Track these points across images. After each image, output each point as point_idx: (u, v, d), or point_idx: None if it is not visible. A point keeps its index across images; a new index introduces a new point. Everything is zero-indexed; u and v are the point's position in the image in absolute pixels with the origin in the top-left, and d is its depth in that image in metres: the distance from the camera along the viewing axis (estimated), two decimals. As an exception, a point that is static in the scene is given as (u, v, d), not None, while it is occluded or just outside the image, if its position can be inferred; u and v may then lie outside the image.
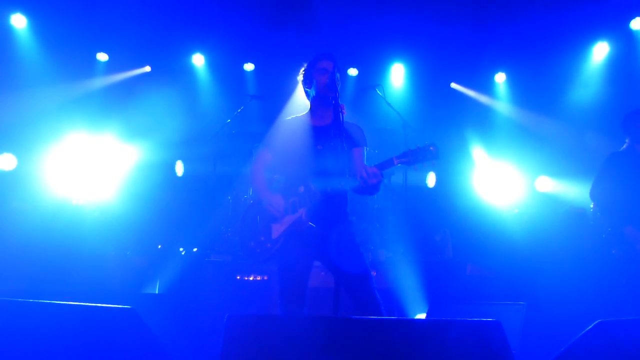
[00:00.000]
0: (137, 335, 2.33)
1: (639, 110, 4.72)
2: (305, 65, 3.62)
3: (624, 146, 4.72)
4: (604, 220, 4.65)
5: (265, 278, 5.02)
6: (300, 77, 3.65)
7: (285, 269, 3.38)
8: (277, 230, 3.40)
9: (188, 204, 7.23)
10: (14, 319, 2.42)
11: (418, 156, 3.05)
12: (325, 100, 3.44)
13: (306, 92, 3.62)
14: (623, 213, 4.49)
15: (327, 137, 3.39)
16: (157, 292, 5.39)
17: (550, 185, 7.51)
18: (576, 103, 7.53)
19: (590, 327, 2.40)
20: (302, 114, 3.63)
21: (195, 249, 5.89)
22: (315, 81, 3.47)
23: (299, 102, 8.02)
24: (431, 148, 3.03)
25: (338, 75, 3.43)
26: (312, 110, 3.58)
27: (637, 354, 2.38)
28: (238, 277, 5.05)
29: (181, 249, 5.85)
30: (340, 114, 3.23)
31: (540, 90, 7.85)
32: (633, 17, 7.06)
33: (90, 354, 2.31)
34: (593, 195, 4.73)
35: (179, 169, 7.65)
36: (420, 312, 4.99)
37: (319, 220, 3.30)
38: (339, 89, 3.37)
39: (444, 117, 8.02)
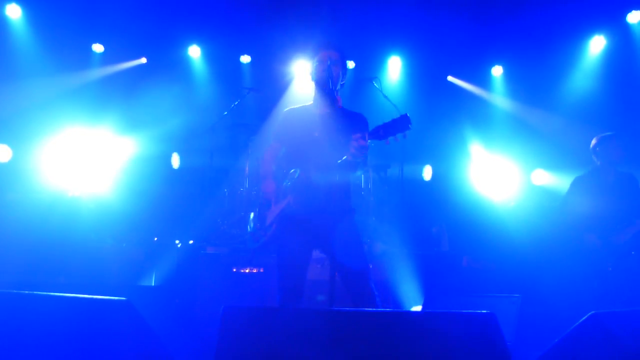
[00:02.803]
0: (133, 328, 2.33)
1: (610, 136, 5.07)
2: (312, 53, 3.62)
3: (592, 166, 5.15)
4: (568, 232, 5.11)
5: (261, 270, 5.03)
6: (308, 71, 3.67)
7: (282, 260, 3.38)
8: (270, 216, 3.42)
9: (184, 197, 7.22)
10: (9, 311, 2.41)
11: (389, 129, 2.99)
12: (323, 90, 3.47)
13: (313, 83, 3.62)
14: (585, 225, 4.95)
15: (325, 126, 3.39)
16: (153, 284, 5.39)
17: (546, 178, 7.53)
18: (572, 96, 7.54)
19: (583, 318, 2.42)
20: (308, 103, 3.65)
21: (191, 241, 5.88)
22: (315, 71, 3.50)
23: (296, 94, 8.02)
24: (401, 119, 2.97)
25: (337, 65, 3.40)
26: (315, 99, 3.60)
27: (630, 345, 2.40)
28: (234, 270, 5.04)
29: (177, 241, 5.84)
30: (336, 104, 3.25)
31: (537, 83, 7.86)
32: (629, 11, 7.06)
33: (86, 346, 2.31)
34: (561, 212, 5.24)
35: (175, 161, 7.64)
36: (417, 304, 5.01)
37: (311, 205, 3.27)
38: (338, 79, 3.38)
39: (441, 110, 8.02)
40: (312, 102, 3.62)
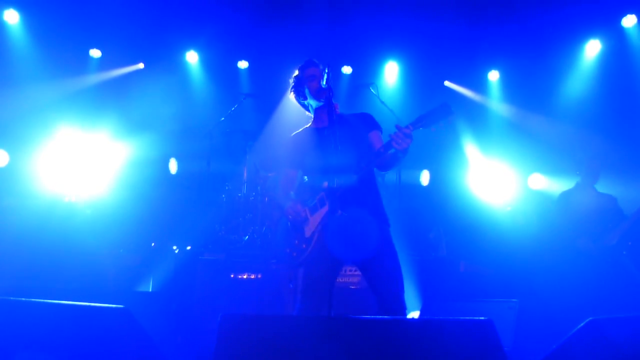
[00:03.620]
0: (131, 335, 2.32)
1: (592, 155, 5.57)
2: (293, 80, 3.68)
3: (576, 182, 5.56)
4: (562, 238, 5.37)
5: (259, 276, 5.02)
6: (292, 95, 3.70)
7: (309, 270, 3.34)
8: (309, 228, 3.37)
9: (182, 202, 7.21)
10: (6, 318, 2.40)
11: (432, 117, 2.99)
12: (319, 106, 3.52)
13: (302, 105, 3.67)
14: (576, 230, 5.26)
15: (333, 135, 3.39)
16: (150, 291, 5.38)
17: (543, 182, 7.54)
18: (569, 100, 7.56)
19: (581, 324, 2.42)
20: (306, 125, 3.68)
21: (188, 247, 5.88)
22: (308, 89, 3.55)
23: (293, 100, 8.01)
24: (444, 106, 2.97)
25: (326, 75, 3.42)
26: (315, 117, 3.63)
27: (628, 351, 2.40)
28: (232, 276, 5.04)
29: (175, 247, 5.83)
30: (335, 113, 3.28)
31: (533, 88, 7.87)
32: (624, 15, 7.09)
33: (83, 354, 2.30)
34: (554, 222, 5.57)
35: (173, 166, 7.63)
36: (414, 309, 5.01)
37: (349, 206, 3.26)
38: (331, 88, 3.38)
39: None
40: (311, 122, 3.65)
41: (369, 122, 3.53)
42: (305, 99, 3.61)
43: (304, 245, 3.38)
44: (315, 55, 3.82)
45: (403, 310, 3.25)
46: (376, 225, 3.32)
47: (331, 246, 3.25)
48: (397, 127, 3.03)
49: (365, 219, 3.28)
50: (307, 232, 3.38)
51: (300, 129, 3.69)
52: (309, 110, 3.68)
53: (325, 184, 3.33)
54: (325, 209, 3.33)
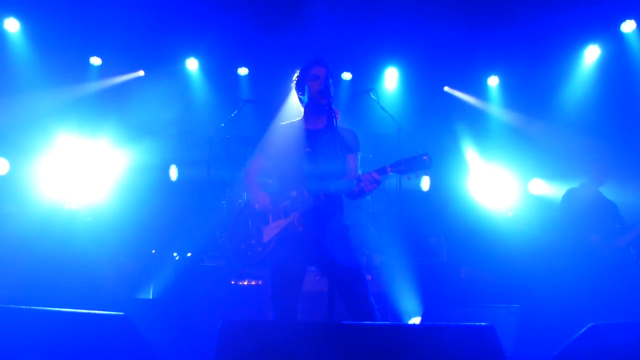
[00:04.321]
0: (131, 342, 2.32)
1: (599, 158, 5.58)
2: (298, 72, 3.65)
3: (581, 182, 5.58)
4: (572, 233, 5.36)
5: (260, 283, 5.01)
6: (293, 84, 3.68)
7: (277, 273, 3.37)
8: (268, 233, 3.40)
9: (182, 209, 7.20)
10: (6, 326, 2.40)
11: (411, 165, 3.10)
12: (318, 106, 3.47)
13: (300, 99, 3.64)
14: (588, 226, 5.26)
15: (319, 141, 3.41)
16: (151, 297, 5.37)
17: (544, 187, 7.54)
18: (568, 105, 7.57)
19: (583, 330, 2.41)
20: (296, 119, 3.65)
21: (189, 254, 5.87)
22: (308, 88, 3.50)
23: (293, 106, 7.99)
24: (424, 157, 3.08)
25: (331, 80, 3.44)
26: (306, 115, 3.61)
27: (629, 356, 2.40)
28: (232, 282, 5.03)
29: (175, 254, 5.82)
30: (334, 119, 3.27)
31: (533, 93, 7.88)
32: (623, 20, 7.10)
33: (84, 361, 2.30)
34: (562, 218, 5.55)
35: (173, 173, 7.63)
36: (415, 315, 4.99)
37: (312, 224, 3.30)
38: (332, 94, 3.39)
39: (438, 121, 8.04)
40: (301, 117, 3.63)
41: (351, 143, 3.51)
42: (303, 94, 3.57)
43: (259, 249, 3.40)
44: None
45: (373, 310, 3.22)
46: (335, 236, 3.31)
47: (289, 256, 3.31)
48: (368, 172, 3.15)
49: (323, 233, 3.28)
50: (265, 237, 3.40)
51: (287, 122, 3.67)
52: (302, 105, 3.65)
53: (294, 192, 3.34)
54: (287, 220, 3.35)
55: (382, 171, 3.16)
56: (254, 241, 3.44)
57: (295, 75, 3.66)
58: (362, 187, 3.13)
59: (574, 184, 5.64)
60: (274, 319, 3.33)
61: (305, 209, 3.29)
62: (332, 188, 3.22)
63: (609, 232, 5.22)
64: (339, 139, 3.31)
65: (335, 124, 3.23)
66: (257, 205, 3.43)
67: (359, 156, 3.55)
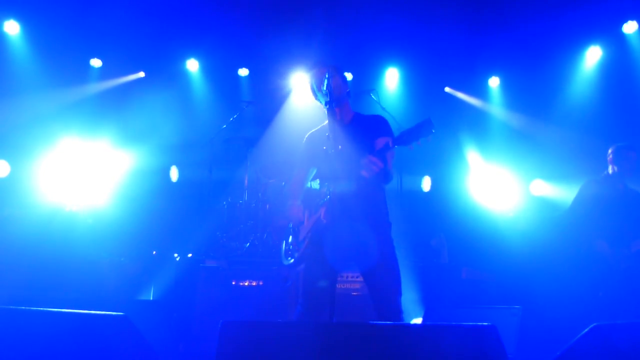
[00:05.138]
0: (130, 343, 2.31)
1: (625, 146, 4.98)
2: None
3: (605, 173, 5.02)
4: (577, 235, 4.97)
5: (261, 283, 5.00)
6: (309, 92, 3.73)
7: (307, 271, 3.39)
8: (302, 232, 3.46)
9: (183, 210, 7.20)
10: (7, 327, 2.39)
11: (413, 134, 3.00)
12: (331, 105, 3.48)
13: (320, 102, 3.65)
14: (596, 230, 4.81)
15: (347, 136, 3.42)
16: (151, 299, 5.36)
17: (545, 188, 7.52)
18: (570, 106, 7.56)
19: (585, 330, 2.40)
20: (324, 123, 3.67)
21: (190, 255, 5.86)
22: (318, 90, 3.54)
23: (294, 107, 8.04)
24: (426, 122, 2.99)
25: (335, 77, 3.43)
26: (328, 116, 3.62)
27: (632, 357, 2.38)
28: (233, 283, 5.02)
29: (176, 255, 5.82)
30: (344, 114, 3.38)
31: (534, 94, 7.87)
32: (625, 21, 7.09)
33: (83, 362, 2.29)
34: (571, 214, 5.08)
35: (174, 174, 7.63)
36: (417, 316, 4.98)
37: (338, 217, 3.22)
38: (340, 88, 3.44)
39: (439, 122, 7.92)
40: (326, 121, 3.65)
41: (380, 128, 3.51)
42: (318, 98, 3.61)
43: (296, 248, 3.46)
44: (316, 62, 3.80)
45: (399, 314, 3.23)
46: (373, 231, 3.31)
47: (324, 253, 3.28)
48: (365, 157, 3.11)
49: (360, 226, 3.27)
50: (300, 235, 3.45)
51: (316, 128, 3.71)
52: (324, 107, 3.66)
53: (325, 189, 3.34)
54: (316, 216, 3.36)
55: (385, 148, 3.11)
56: (293, 241, 3.53)
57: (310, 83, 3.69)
58: (366, 170, 3.09)
59: (576, 186, 5.42)
60: (298, 316, 3.35)
61: (333, 202, 3.22)
62: (354, 184, 3.23)
63: (626, 233, 4.80)
64: (364, 128, 3.34)
65: (338, 119, 3.29)
66: (290, 217, 3.52)
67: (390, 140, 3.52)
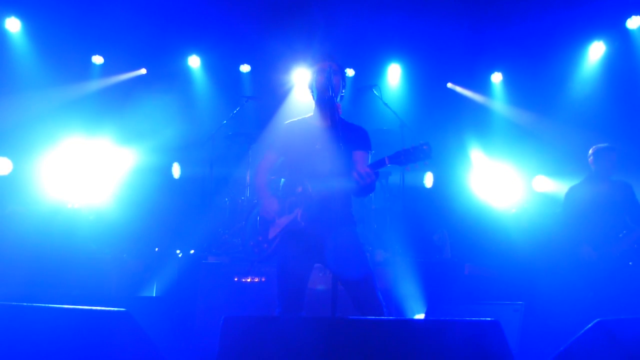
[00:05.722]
0: (132, 338, 2.31)
1: (605, 148, 5.20)
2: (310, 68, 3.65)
3: (587, 175, 5.32)
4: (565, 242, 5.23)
5: (263, 280, 5.00)
6: (307, 82, 3.68)
7: (282, 271, 3.37)
8: (273, 230, 3.41)
9: (185, 207, 7.19)
10: (10, 323, 2.40)
11: (410, 156, 3.02)
12: (322, 101, 3.46)
13: (312, 95, 3.62)
14: (580, 236, 5.04)
15: (327, 137, 3.38)
16: (154, 295, 5.37)
17: (548, 184, 7.51)
18: (573, 102, 7.54)
19: (589, 325, 2.40)
20: (307, 115, 3.65)
21: (192, 251, 5.86)
22: (315, 83, 3.49)
23: (295, 103, 8.03)
24: (424, 147, 3.00)
25: (337, 75, 3.40)
26: (315, 111, 3.59)
27: (636, 352, 2.37)
28: (235, 279, 5.02)
29: (178, 251, 5.82)
30: (336, 113, 3.28)
31: (537, 90, 7.85)
32: (629, 16, 7.06)
33: (86, 358, 2.29)
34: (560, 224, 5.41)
35: (176, 171, 7.62)
36: (419, 312, 4.98)
37: (317, 221, 3.27)
38: (338, 88, 3.40)
39: (441, 118, 8.01)
40: (312, 113, 3.62)
41: (361, 140, 3.48)
42: (312, 90, 3.57)
43: (265, 245, 3.42)
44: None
45: (381, 306, 3.21)
46: (341, 231, 3.29)
47: (294, 253, 3.29)
48: (357, 168, 3.10)
49: (329, 229, 3.25)
50: (271, 234, 3.41)
51: (298, 118, 3.65)
52: (314, 100, 3.63)
53: (300, 188, 3.33)
54: (291, 216, 3.34)
55: (380, 163, 3.10)
56: (260, 238, 3.46)
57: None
58: (358, 181, 3.07)
59: (578, 181, 5.52)
60: (279, 315, 3.32)
61: (309, 205, 3.26)
62: (335, 185, 3.18)
63: (609, 234, 4.98)
64: (347, 135, 3.27)
65: (337, 119, 3.22)
66: (264, 212, 3.45)
67: (369, 155, 3.47)
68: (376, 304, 3.20)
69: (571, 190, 5.34)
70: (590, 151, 5.25)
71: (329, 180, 3.19)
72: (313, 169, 3.31)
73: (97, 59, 7.84)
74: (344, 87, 3.53)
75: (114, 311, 2.37)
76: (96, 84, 7.82)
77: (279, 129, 3.68)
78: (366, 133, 3.55)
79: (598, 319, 2.43)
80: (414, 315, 4.98)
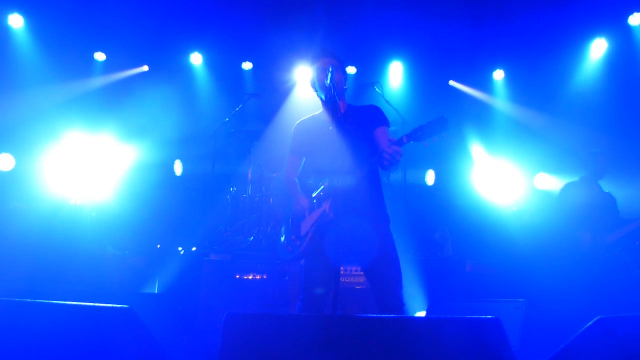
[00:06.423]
0: (135, 335, 2.31)
1: (597, 153, 5.45)
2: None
3: (581, 176, 5.52)
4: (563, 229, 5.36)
5: (265, 277, 5.01)
6: (309, 79, 3.69)
7: (311, 262, 3.37)
8: (305, 226, 3.39)
9: (187, 203, 7.21)
10: (12, 319, 2.40)
11: (427, 130, 2.94)
12: (326, 98, 3.49)
13: (316, 92, 3.63)
14: (578, 223, 5.21)
15: (342, 127, 3.38)
16: (156, 292, 5.38)
17: (549, 182, 7.50)
18: (575, 99, 7.52)
19: (590, 323, 2.40)
20: (317, 112, 3.66)
21: (194, 248, 5.87)
22: (317, 80, 3.51)
23: (298, 100, 8.03)
24: (441, 120, 2.93)
25: (338, 71, 3.41)
26: (323, 107, 3.62)
27: (637, 350, 2.38)
28: (237, 276, 5.03)
29: (180, 248, 5.83)
30: (339, 112, 3.31)
31: (539, 87, 7.84)
32: (631, 13, 7.04)
33: (88, 354, 2.29)
34: (555, 211, 5.59)
35: (178, 168, 7.63)
36: (420, 309, 4.99)
37: (344, 211, 3.20)
38: (341, 84, 3.42)
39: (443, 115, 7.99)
40: (321, 110, 3.64)
41: (376, 118, 3.49)
42: (316, 88, 3.57)
43: (298, 242, 3.40)
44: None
45: (402, 307, 3.24)
46: (374, 226, 3.32)
47: (326, 247, 3.27)
48: (390, 143, 3.08)
49: (362, 221, 3.28)
50: (302, 230, 3.40)
51: (308, 116, 3.67)
52: (319, 97, 3.64)
53: (326, 183, 3.33)
54: (320, 210, 3.33)
55: (399, 142, 3.06)
56: (293, 236, 3.45)
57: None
58: (389, 162, 3.05)
59: (577, 178, 5.60)
60: (300, 310, 3.33)
61: (337, 196, 3.22)
62: (358, 175, 3.20)
63: (604, 227, 5.15)
64: (362, 119, 3.31)
65: (340, 112, 3.26)
66: (296, 209, 3.45)
67: (388, 129, 3.47)
68: (398, 305, 3.24)
69: (567, 187, 5.51)
70: (583, 155, 5.51)
71: (351, 172, 3.20)
72: (333, 163, 3.28)
73: (100, 56, 7.85)
74: (345, 82, 3.54)
75: (116, 308, 2.37)
76: (98, 81, 7.82)
77: (292, 131, 3.68)
78: (379, 109, 3.57)
79: (599, 317, 2.43)
80: (416, 312, 4.98)
